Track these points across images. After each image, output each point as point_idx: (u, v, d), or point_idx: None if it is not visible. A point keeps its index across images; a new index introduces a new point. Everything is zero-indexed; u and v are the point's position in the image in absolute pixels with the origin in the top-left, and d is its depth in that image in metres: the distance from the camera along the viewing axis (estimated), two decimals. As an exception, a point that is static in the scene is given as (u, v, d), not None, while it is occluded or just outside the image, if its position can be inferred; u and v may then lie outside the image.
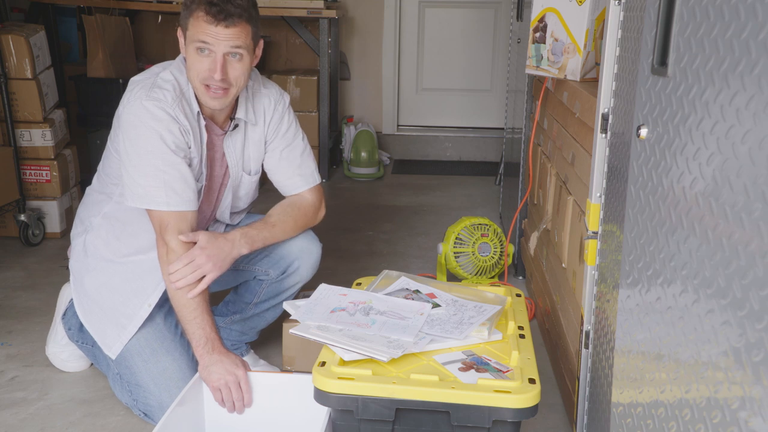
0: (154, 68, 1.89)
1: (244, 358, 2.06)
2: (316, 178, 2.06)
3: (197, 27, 1.73)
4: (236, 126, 1.93)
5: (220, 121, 1.92)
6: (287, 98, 2.04)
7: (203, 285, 1.78)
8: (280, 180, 2.04)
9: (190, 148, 1.82)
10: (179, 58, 1.88)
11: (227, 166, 1.97)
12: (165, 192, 1.76)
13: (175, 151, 1.77)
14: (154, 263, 1.83)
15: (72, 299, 2.09)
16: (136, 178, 1.77)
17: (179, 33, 1.82)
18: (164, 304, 1.90)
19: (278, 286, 2.06)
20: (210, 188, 1.96)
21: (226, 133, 1.93)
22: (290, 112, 2.03)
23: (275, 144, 2.01)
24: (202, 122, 1.86)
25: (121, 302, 1.90)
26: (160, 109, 1.75)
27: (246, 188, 2.04)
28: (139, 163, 1.76)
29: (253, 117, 1.95)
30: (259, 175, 2.05)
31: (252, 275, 2.08)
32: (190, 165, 1.82)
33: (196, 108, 1.84)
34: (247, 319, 2.13)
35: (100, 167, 2.01)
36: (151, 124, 1.75)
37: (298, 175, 2.03)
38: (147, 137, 1.75)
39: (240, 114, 1.91)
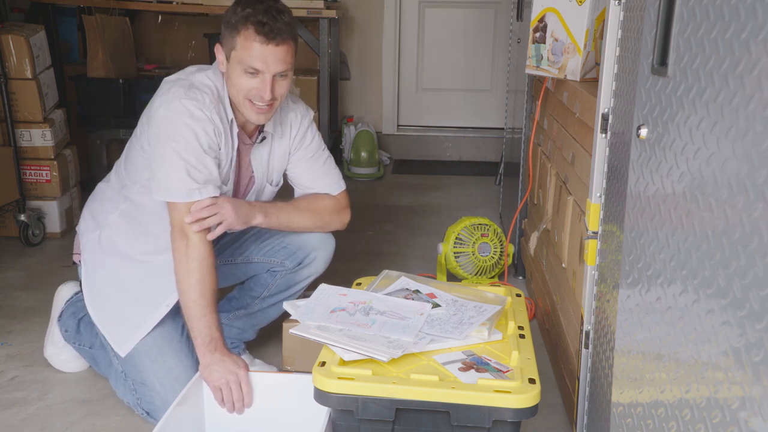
0: (189, 69, 1.93)
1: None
2: (341, 185, 2.11)
3: (248, 49, 1.75)
4: (263, 138, 1.97)
5: (249, 131, 1.96)
6: (311, 113, 2.09)
7: (220, 230, 1.81)
8: (305, 188, 2.09)
9: (220, 149, 1.85)
10: (216, 65, 1.90)
11: (252, 175, 2.01)
12: (191, 186, 1.78)
13: (207, 151, 1.80)
14: (173, 264, 1.83)
15: (68, 301, 2.11)
16: (168, 171, 1.78)
17: (218, 49, 1.83)
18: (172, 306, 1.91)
19: (292, 277, 2.09)
20: (234, 194, 1.99)
21: (253, 144, 1.97)
22: (313, 126, 2.09)
23: (299, 155, 2.05)
24: (236, 129, 1.90)
25: (138, 301, 1.91)
26: (198, 109, 1.78)
27: (267, 197, 2.09)
28: (171, 157, 1.77)
29: (280, 130, 2.00)
30: (280, 186, 2.10)
31: (266, 268, 2.10)
32: (218, 167, 1.85)
33: (231, 115, 1.88)
34: (251, 315, 2.14)
35: (121, 163, 2.02)
36: (188, 122, 1.77)
37: (323, 184, 2.08)
38: (183, 134, 1.77)
39: (268, 128, 1.96)
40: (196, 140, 1.78)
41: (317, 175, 2.07)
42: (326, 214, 2.06)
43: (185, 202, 1.78)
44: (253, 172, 2.00)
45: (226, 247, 2.12)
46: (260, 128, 1.96)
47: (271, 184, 2.06)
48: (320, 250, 2.08)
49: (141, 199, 1.92)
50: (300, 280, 2.10)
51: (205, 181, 1.80)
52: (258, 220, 1.91)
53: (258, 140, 1.97)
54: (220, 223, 1.82)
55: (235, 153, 1.91)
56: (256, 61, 1.76)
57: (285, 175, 2.10)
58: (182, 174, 1.77)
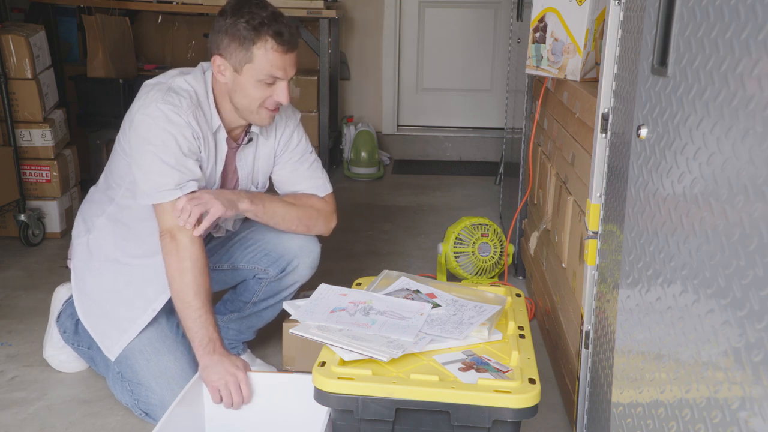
0: (170, 72, 1.92)
1: (241, 357, 2.06)
2: (327, 188, 2.09)
3: (269, 60, 1.77)
4: (250, 140, 1.97)
5: (235, 135, 1.95)
6: (298, 115, 2.09)
7: (207, 222, 1.78)
8: (290, 191, 2.07)
9: (200, 152, 1.85)
10: (200, 71, 1.89)
11: (237, 179, 2.00)
12: (171, 186, 1.77)
13: (187, 155, 1.80)
14: (160, 268, 1.83)
15: (65, 302, 2.10)
16: (149, 175, 1.78)
17: (220, 59, 1.80)
18: (166, 304, 1.90)
19: (277, 284, 2.07)
20: None
21: (239, 147, 1.96)
22: (300, 127, 2.08)
23: (285, 157, 2.04)
24: (223, 135, 1.89)
25: (124, 305, 1.90)
26: (176, 114, 1.78)
27: None
28: (151, 161, 1.77)
29: (265, 131, 1.99)
30: (265, 188, 2.08)
31: (251, 274, 2.08)
32: (200, 169, 1.84)
33: (217, 122, 1.87)
34: (245, 318, 2.13)
35: (107, 167, 2.02)
36: (166, 126, 1.77)
37: (309, 187, 2.06)
38: (162, 138, 1.77)
39: (254, 128, 1.95)
40: (176, 144, 1.77)
41: (303, 177, 2.05)
42: (313, 213, 2.02)
43: (170, 204, 1.78)
44: (238, 175, 1.99)
45: (213, 252, 2.10)
46: (246, 130, 1.95)
47: (256, 187, 2.04)
48: (302, 258, 2.04)
49: (126, 202, 1.92)
50: (286, 287, 2.08)
51: (187, 181, 1.80)
52: (244, 204, 1.87)
53: (245, 142, 1.96)
54: (208, 215, 1.78)
55: (223, 157, 1.91)
56: (277, 70, 1.78)
57: (270, 180, 2.08)
58: (163, 177, 1.77)
